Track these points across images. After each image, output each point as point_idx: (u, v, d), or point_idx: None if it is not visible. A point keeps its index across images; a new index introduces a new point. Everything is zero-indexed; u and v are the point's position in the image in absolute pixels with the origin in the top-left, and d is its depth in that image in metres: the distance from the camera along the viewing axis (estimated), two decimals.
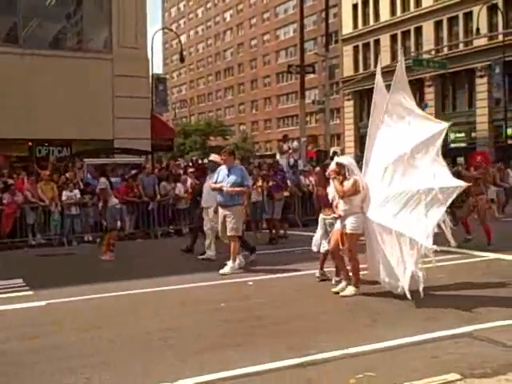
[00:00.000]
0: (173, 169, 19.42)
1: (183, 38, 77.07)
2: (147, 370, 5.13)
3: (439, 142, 7.58)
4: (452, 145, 37.58)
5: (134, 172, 17.35)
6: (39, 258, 12.53)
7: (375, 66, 42.33)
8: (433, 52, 37.11)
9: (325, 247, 8.71)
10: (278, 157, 25.27)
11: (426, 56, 32.75)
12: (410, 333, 6.03)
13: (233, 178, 10.15)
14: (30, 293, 8.72)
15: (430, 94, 41.68)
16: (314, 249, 9.01)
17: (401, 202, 7.53)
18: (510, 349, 5.51)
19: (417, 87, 42.61)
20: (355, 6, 49.21)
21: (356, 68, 48.45)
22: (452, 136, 39.64)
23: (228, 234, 10.05)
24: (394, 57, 42.78)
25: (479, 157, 13.78)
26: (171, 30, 67.02)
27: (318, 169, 10.17)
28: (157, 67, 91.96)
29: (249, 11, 78.51)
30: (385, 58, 44.08)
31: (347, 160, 8.36)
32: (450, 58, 34.64)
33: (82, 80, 20.67)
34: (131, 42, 21.74)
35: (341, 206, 8.02)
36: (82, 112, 20.40)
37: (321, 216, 8.97)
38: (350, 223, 7.89)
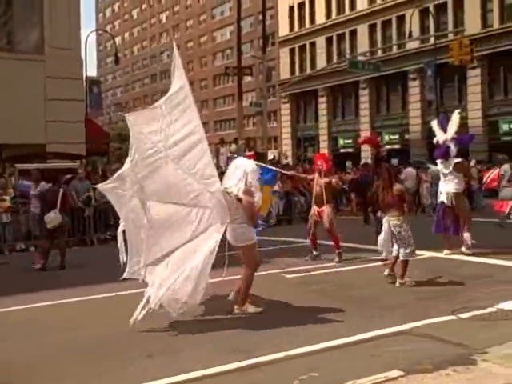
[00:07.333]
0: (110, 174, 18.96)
1: (118, 40, 75.94)
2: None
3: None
4: (388, 146, 38.33)
5: (68, 177, 16.82)
6: None
7: (311, 69, 43.41)
8: (367, 54, 37.73)
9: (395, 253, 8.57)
10: (214, 160, 25.08)
11: (361, 58, 33.25)
12: (350, 332, 6.06)
13: None
14: None
15: (364, 96, 42.39)
16: (384, 254, 8.84)
17: None
18: (447, 344, 5.62)
19: (353, 89, 43.53)
20: (291, 9, 49.52)
21: (292, 71, 48.74)
22: (386, 138, 40.42)
23: None
24: (329, 59, 43.39)
25: (319, 160, 11.60)
26: (106, 31, 65.93)
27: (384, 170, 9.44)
28: (91, 70, 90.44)
29: (185, 13, 78.05)
30: (321, 61, 44.80)
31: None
32: (383, 60, 35.31)
33: (12, 82, 19.99)
34: (64, 43, 21.18)
35: None
36: (12, 115, 19.70)
37: (385, 217, 8.72)
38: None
